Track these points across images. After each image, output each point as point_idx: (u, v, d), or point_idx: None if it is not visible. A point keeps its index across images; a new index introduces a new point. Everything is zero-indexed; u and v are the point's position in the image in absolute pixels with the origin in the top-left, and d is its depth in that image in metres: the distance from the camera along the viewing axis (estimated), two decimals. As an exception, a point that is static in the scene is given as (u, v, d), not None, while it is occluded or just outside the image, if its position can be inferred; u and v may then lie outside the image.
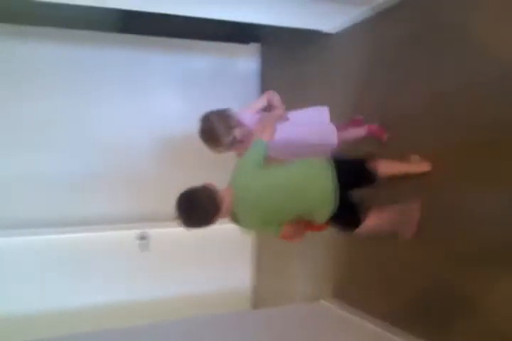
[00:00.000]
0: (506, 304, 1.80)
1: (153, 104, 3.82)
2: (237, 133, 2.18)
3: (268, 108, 2.37)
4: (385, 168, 2.05)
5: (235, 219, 1.97)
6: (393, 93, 2.48)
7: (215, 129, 2.16)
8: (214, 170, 4.03)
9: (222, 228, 3.88)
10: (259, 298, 4.11)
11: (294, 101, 3.59)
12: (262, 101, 2.38)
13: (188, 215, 1.81)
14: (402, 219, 2.20)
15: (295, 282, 3.48)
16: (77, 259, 3.59)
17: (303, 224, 2.04)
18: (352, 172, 2.01)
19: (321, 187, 1.89)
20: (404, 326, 2.31)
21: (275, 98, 2.36)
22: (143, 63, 3.79)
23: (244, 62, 4.13)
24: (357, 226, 2.00)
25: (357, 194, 2.01)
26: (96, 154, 3.66)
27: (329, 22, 2.90)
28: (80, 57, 3.60)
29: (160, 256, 3.82)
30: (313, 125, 2.39)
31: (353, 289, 2.80)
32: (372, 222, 2.02)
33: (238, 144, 2.20)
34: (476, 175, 1.96)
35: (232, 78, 4.06)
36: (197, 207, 1.81)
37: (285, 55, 3.77)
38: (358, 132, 2.53)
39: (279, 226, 1.94)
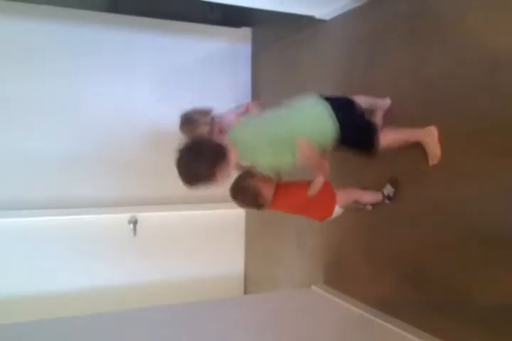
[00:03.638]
0: (496, 292, 1.83)
1: (143, 86, 3.76)
2: (216, 117, 2.42)
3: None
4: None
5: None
6: (384, 80, 2.46)
7: (192, 114, 2.43)
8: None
9: (216, 213, 3.93)
10: (252, 284, 4.13)
11: (285, 86, 3.59)
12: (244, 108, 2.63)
13: (193, 166, 1.80)
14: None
15: (287, 268, 3.50)
16: (67, 242, 3.58)
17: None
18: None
19: (317, 110, 1.98)
20: (394, 313, 2.34)
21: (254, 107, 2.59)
22: (130, 44, 3.71)
23: (235, 46, 4.07)
24: (373, 146, 2.04)
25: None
26: (84, 137, 3.60)
27: (323, 8, 2.85)
28: (67, 35, 3.51)
29: (153, 241, 3.82)
30: None
31: (344, 276, 2.83)
32: (389, 135, 2.07)
33: (217, 126, 2.40)
34: (461, 165, 1.97)
35: (222, 62, 4.01)
36: (203, 156, 1.80)
37: (277, 40, 3.73)
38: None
39: (292, 154, 1.93)
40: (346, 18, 2.79)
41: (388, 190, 2.33)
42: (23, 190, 3.42)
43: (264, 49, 3.96)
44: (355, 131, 2.03)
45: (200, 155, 1.80)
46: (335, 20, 2.91)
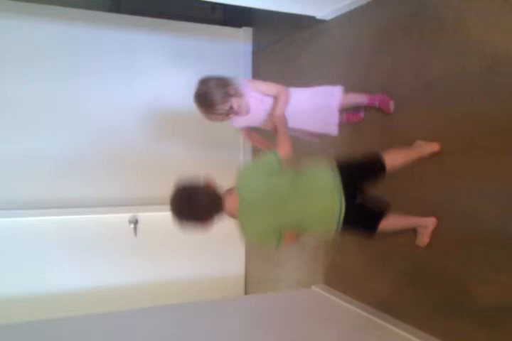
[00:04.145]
0: (496, 292, 1.83)
1: (143, 86, 3.76)
2: (235, 103, 2.08)
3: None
4: (393, 159, 1.97)
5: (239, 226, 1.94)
6: (385, 80, 2.46)
7: (211, 95, 2.05)
8: (205, 153, 4.05)
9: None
10: (252, 284, 4.13)
11: (285, 85, 3.57)
12: (275, 91, 2.21)
13: (187, 212, 1.78)
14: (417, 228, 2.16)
15: (287, 269, 3.49)
16: (67, 242, 3.57)
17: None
18: (359, 172, 1.96)
19: (327, 208, 1.82)
20: (394, 313, 2.34)
21: (284, 99, 2.20)
22: (133, 44, 3.70)
23: (236, 46, 4.06)
24: (374, 231, 1.99)
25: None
26: (85, 137, 3.59)
27: (323, 9, 2.85)
28: (68, 35, 3.50)
29: (153, 241, 3.82)
30: (316, 111, 2.28)
31: (344, 276, 2.83)
32: (390, 224, 2.02)
33: (233, 115, 2.14)
34: (461, 166, 1.97)
35: (223, 62, 4.00)
36: (197, 206, 1.77)
37: (277, 40, 3.72)
38: (360, 98, 2.43)
39: (279, 238, 1.87)
40: (347, 18, 2.79)
41: None
42: (23, 190, 3.42)
43: (264, 49, 3.96)
44: (359, 221, 1.96)
45: (192, 208, 1.77)
46: (335, 20, 2.91)
